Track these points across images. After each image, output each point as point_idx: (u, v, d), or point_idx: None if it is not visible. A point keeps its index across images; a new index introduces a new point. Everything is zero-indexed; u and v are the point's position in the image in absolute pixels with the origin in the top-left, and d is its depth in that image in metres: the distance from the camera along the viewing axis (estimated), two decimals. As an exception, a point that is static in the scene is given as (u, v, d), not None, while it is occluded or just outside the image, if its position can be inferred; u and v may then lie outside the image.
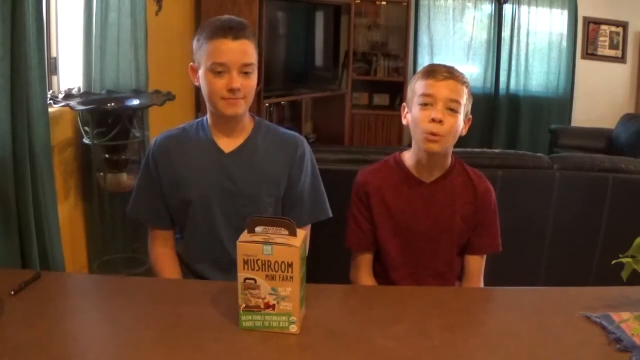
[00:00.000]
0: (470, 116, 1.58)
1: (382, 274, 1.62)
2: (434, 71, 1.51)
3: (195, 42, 1.51)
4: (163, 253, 1.63)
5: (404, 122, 1.59)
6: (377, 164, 1.65)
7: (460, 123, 1.52)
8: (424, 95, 1.50)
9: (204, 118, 1.60)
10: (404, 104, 1.60)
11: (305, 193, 1.62)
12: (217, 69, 1.46)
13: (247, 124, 1.60)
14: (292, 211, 1.58)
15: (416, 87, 1.54)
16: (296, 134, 1.66)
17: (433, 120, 1.47)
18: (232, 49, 1.45)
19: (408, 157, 1.60)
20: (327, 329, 1.17)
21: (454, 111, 1.49)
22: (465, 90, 1.52)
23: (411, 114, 1.55)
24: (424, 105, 1.50)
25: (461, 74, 1.54)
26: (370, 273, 1.63)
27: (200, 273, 1.59)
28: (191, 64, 1.54)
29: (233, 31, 1.45)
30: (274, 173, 1.57)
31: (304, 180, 1.61)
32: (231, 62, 1.45)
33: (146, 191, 1.61)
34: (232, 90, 1.46)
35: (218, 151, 1.56)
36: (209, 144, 1.57)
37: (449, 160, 1.59)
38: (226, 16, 1.51)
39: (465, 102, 1.52)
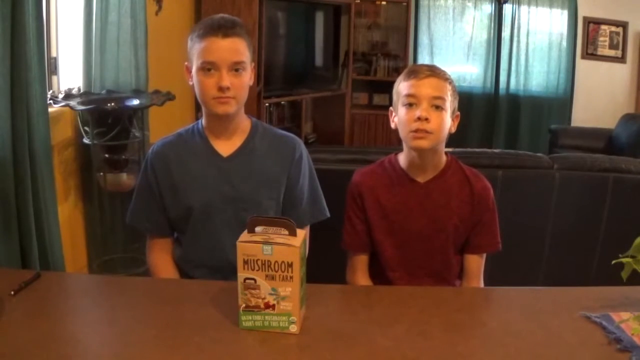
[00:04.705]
0: (458, 113, 1.58)
1: (380, 274, 1.62)
2: (415, 71, 1.52)
3: (189, 42, 1.50)
4: (161, 258, 1.62)
5: (392, 125, 1.59)
6: (372, 165, 1.65)
7: (448, 120, 1.52)
8: (408, 95, 1.50)
9: (199, 122, 1.59)
10: (390, 108, 1.60)
11: (304, 194, 1.61)
12: (207, 68, 1.45)
13: (244, 125, 1.59)
14: (291, 212, 1.57)
15: (400, 88, 1.54)
16: (293, 135, 1.65)
17: (419, 118, 1.47)
18: (222, 47, 1.44)
19: (402, 158, 1.60)
20: (327, 329, 1.17)
21: (439, 108, 1.49)
22: (449, 87, 1.52)
23: (398, 116, 1.55)
24: (409, 105, 1.50)
25: (443, 71, 1.54)
26: (366, 274, 1.63)
27: (198, 279, 1.58)
28: (186, 63, 1.53)
29: (223, 29, 1.44)
30: (274, 175, 1.57)
31: (303, 181, 1.61)
32: (221, 61, 1.44)
33: (145, 200, 1.60)
34: (221, 89, 1.45)
35: (216, 156, 1.55)
36: (206, 149, 1.56)
37: (443, 159, 1.59)
38: (219, 15, 1.50)
39: (450, 99, 1.52)
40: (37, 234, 2.04)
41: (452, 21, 5.72)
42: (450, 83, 1.53)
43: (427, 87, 1.49)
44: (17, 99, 1.93)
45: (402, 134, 1.53)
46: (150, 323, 1.19)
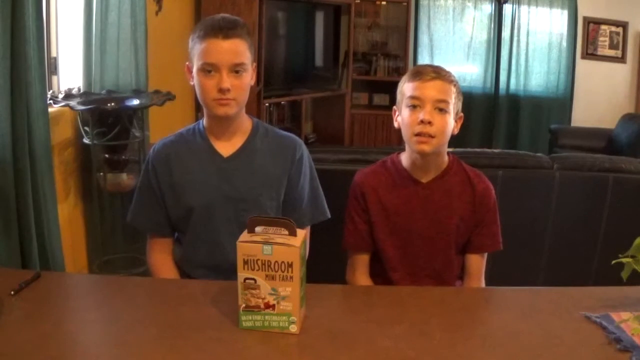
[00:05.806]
0: (462, 114, 1.58)
1: (381, 274, 1.62)
2: (420, 72, 1.51)
3: (190, 42, 1.50)
4: (161, 259, 1.62)
5: (396, 125, 1.59)
6: (374, 165, 1.65)
7: (451, 122, 1.52)
8: (412, 97, 1.50)
9: (200, 122, 1.59)
10: (394, 107, 1.60)
11: (304, 195, 1.61)
12: (208, 69, 1.45)
13: (245, 126, 1.59)
14: (292, 213, 1.56)
15: (404, 89, 1.54)
16: (294, 135, 1.65)
17: (422, 121, 1.47)
18: (223, 48, 1.44)
19: (405, 158, 1.60)
20: (327, 329, 1.17)
21: (443, 111, 1.49)
22: (454, 89, 1.51)
23: (401, 117, 1.55)
24: (413, 107, 1.50)
25: (448, 73, 1.53)
26: (366, 273, 1.63)
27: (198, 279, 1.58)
28: (187, 63, 1.53)
29: (224, 30, 1.44)
30: (274, 176, 1.56)
31: (303, 182, 1.60)
32: (221, 62, 1.44)
33: (146, 200, 1.60)
34: (221, 91, 1.45)
35: (217, 156, 1.55)
36: (207, 149, 1.55)
37: (445, 159, 1.59)
38: (220, 15, 1.50)
39: (454, 101, 1.51)
40: (37, 234, 2.04)
41: (452, 21, 5.72)
42: (455, 85, 1.52)
43: (431, 90, 1.48)
44: (17, 99, 1.93)
45: (405, 135, 1.53)
46: (150, 323, 1.19)
